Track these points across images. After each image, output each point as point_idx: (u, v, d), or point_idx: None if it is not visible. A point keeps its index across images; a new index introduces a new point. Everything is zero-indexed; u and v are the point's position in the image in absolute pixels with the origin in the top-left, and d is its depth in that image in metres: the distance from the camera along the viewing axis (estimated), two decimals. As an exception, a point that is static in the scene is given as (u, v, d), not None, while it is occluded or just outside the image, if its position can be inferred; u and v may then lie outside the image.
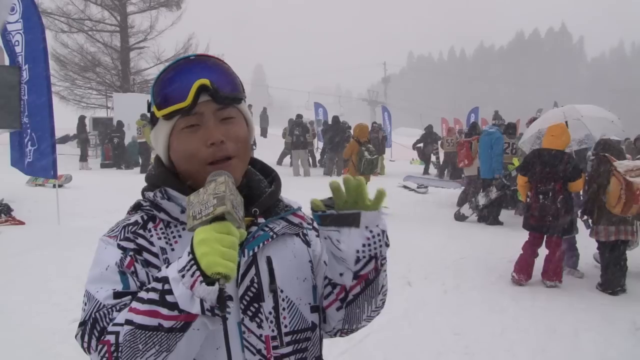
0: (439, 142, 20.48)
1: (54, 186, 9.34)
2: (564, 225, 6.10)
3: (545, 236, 6.25)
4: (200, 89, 1.16)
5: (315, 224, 1.42)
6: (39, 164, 8.82)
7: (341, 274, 1.26)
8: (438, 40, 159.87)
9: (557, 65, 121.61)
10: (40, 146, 8.75)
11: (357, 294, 1.27)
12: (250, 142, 1.28)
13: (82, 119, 21.54)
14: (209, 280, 0.99)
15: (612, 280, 6.04)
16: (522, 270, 6.28)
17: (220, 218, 1.01)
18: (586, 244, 6.68)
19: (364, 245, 1.21)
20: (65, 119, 21.76)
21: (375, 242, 1.21)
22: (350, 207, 1.20)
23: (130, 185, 11.42)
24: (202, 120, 1.19)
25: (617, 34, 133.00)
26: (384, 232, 1.23)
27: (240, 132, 1.23)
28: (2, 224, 8.26)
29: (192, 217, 1.02)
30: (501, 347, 4.59)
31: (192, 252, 1.01)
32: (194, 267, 0.99)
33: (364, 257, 1.22)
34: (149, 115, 1.27)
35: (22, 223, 8.56)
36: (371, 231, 1.21)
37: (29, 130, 8.73)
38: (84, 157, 19.76)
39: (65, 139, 24.79)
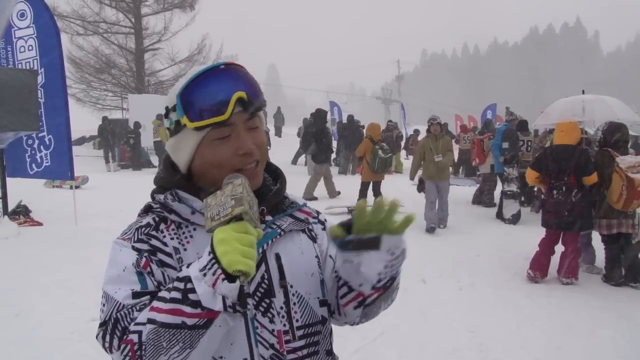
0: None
1: (71, 187, 9.45)
2: (581, 220, 6.06)
3: (562, 233, 6.22)
4: (237, 101, 1.18)
5: (320, 217, 1.46)
6: (56, 166, 8.93)
7: (360, 284, 1.28)
8: (451, 38, 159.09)
9: (572, 61, 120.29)
10: (56, 148, 8.85)
11: (375, 299, 1.30)
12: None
13: (105, 119, 21.65)
14: (230, 278, 1.02)
15: (615, 271, 6.07)
16: (538, 268, 6.25)
17: (237, 218, 1.05)
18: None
19: (385, 267, 1.22)
20: (81, 121, 21.96)
21: (396, 263, 1.23)
22: (372, 228, 1.17)
23: (145, 185, 11.51)
24: (235, 130, 1.21)
25: (633, 28, 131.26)
26: (404, 250, 1.23)
27: (263, 139, 1.27)
28: (21, 224, 8.37)
29: (210, 219, 1.05)
30: (516, 344, 4.57)
31: (212, 251, 1.04)
32: (216, 266, 1.02)
33: (385, 277, 1.25)
34: (167, 121, 1.27)
35: (40, 224, 8.67)
36: (393, 253, 1.20)
37: (39, 134, 8.81)
38: (109, 158, 19.91)
39: (81, 141, 25.04)
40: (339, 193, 12.40)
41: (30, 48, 8.83)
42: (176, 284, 1.07)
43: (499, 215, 10.29)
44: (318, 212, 1.47)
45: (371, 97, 79.93)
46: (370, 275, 1.23)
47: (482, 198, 11.94)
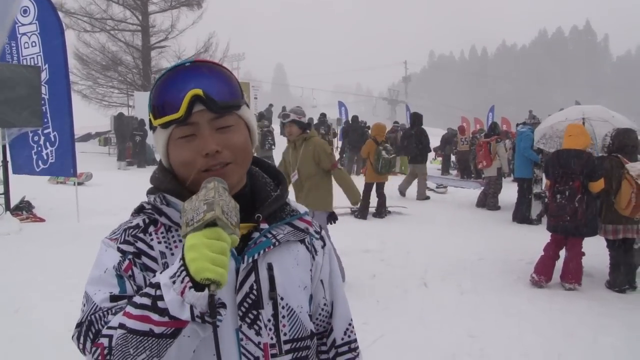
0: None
1: (74, 184, 9.46)
2: (585, 226, 6.00)
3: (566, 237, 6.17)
4: (194, 99, 1.14)
5: (323, 233, 1.41)
6: (60, 162, 8.94)
7: None
8: (459, 39, 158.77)
9: (581, 64, 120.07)
10: (61, 145, 8.86)
11: None
12: (252, 146, 1.26)
13: (120, 116, 21.62)
14: (198, 287, 0.97)
15: (620, 278, 6.05)
16: (543, 272, 6.19)
17: (212, 224, 1.00)
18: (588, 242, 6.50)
19: None
20: (87, 118, 22.00)
21: None
22: None
23: (149, 183, 11.51)
24: (198, 130, 1.16)
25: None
26: None
27: (238, 140, 1.20)
28: (23, 220, 8.39)
29: (186, 224, 1.01)
30: (517, 350, 4.53)
31: (182, 258, 1.00)
32: (184, 273, 0.98)
33: None
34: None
35: (42, 220, 8.69)
36: None
37: (44, 131, 8.84)
38: (122, 157, 19.88)
39: (86, 138, 25.12)
40: (428, 198, 13.02)
41: (33, 44, 8.85)
42: (148, 289, 1.03)
43: (522, 218, 10.17)
44: (321, 227, 1.42)
45: (378, 97, 79.94)
46: None
47: (486, 201, 11.89)
